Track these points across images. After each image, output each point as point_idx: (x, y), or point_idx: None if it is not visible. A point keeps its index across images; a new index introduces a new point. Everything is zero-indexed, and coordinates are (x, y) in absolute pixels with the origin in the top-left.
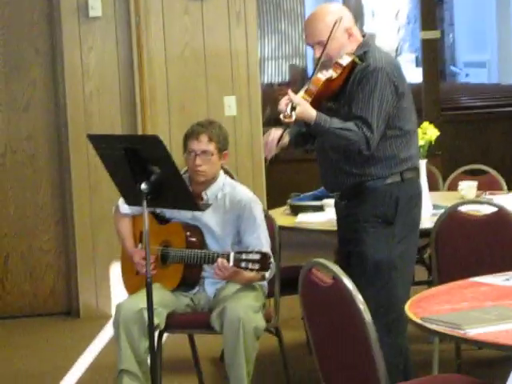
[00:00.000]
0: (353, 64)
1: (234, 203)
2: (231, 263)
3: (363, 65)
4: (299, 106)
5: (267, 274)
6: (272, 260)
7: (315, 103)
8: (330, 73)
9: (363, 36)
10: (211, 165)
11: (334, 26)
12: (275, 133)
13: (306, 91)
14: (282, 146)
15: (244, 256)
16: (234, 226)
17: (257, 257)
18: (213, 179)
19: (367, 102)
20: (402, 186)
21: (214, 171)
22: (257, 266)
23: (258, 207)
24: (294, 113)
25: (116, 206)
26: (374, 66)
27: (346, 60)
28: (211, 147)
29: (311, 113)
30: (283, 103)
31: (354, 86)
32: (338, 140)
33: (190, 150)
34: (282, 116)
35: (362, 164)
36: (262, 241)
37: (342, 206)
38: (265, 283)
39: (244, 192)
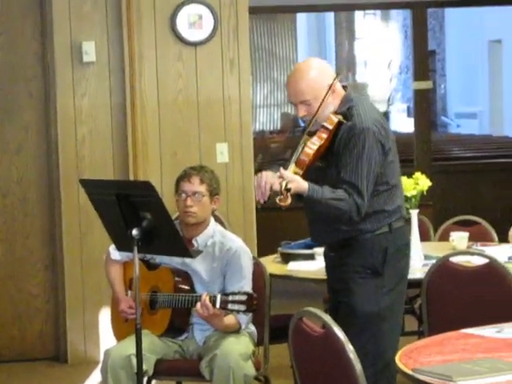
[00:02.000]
0: (338, 124)
1: (223, 251)
2: (218, 305)
3: (349, 124)
4: (292, 183)
5: (243, 325)
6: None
7: (305, 173)
8: (318, 141)
9: (344, 87)
10: (202, 207)
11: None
12: (267, 177)
13: (296, 164)
14: (274, 189)
15: (231, 298)
16: (221, 274)
17: (243, 298)
18: (203, 224)
19: (355, 166)
20: (390, 236)
21: (205, 215)
22: (243, 308)
23: (245, 257)
24: (289, 194)
25: (107, 252)
26: (361, 127)
27: (331, 122)
28: (202, 189)
29: (304, 186)
30: (277, 183)
31: (340, 146)
32: (329, 209)
33: (182, 191)
34: (278, 200)
35: (350, 221)
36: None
37: (331, 257)
38: (254, 330)
39: (234, 241)
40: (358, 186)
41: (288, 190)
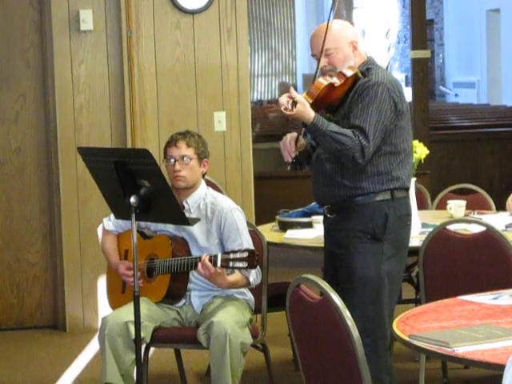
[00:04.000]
0: (355, 78)
1: (215, 213)
2: (219, 264)
3: (365, 79)
4: (300, 103)
5: (251, 279)
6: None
7: (314, 107)
8: (334, 80)
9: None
10: (190, 170)
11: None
12: (291, 135)
13: (307, 93)
14: (300, 146)
15: (232, 255)
16: (216, 236)
17: (244, 255)
18: (193, 187)
19: (365, 112)
20: (391, 204)
21: (195, 178)
22: (245, 264)
23: (239, 214)
24: (294, 107)
25: (102, 223)
26: (376, 80)
27: (350, 72)
28: (190, 152)
29: (310, 113)
30: (284, 98)
31: (353, 98)
32: (332, 144)
33: (170, 156)
34: (283, 108)
35: (353, 177)
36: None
37: (330, 221)
38: (251, 298)
39: (224, 201)
40: (365, 129)
41: (294, 103)
